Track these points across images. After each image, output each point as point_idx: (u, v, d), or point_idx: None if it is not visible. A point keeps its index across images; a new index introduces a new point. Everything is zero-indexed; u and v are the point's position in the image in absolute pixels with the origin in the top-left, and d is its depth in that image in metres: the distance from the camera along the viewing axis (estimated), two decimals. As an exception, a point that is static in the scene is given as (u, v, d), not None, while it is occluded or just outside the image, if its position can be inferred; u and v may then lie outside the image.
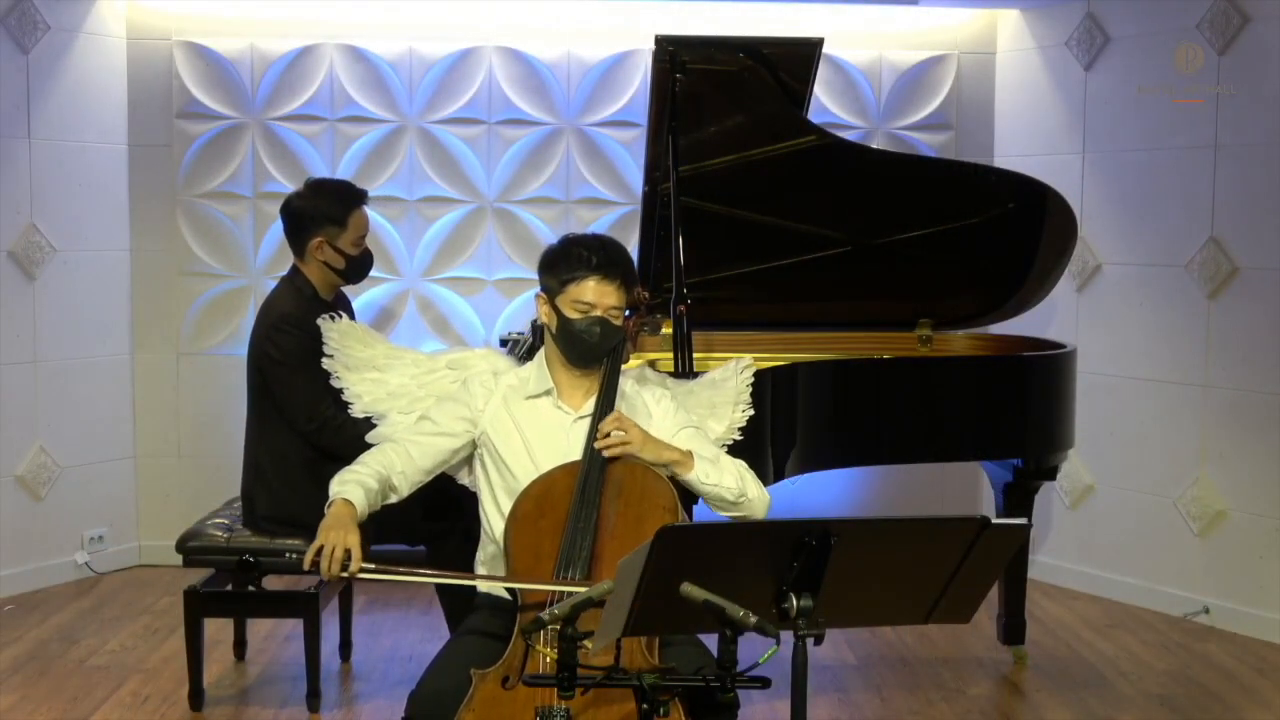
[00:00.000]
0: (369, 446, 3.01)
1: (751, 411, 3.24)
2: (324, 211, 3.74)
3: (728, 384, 3.26)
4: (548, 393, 2.88)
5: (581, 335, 2.81)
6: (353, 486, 2.73)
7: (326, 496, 2.75)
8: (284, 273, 3.85)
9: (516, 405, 2.88)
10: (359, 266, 3.84)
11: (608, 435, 2.72)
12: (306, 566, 2.58)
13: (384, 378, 3.27)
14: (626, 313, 3.11)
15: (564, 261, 2.82)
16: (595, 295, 2.78)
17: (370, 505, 2.75)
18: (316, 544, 2.57)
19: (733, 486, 2.80)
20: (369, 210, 3.87)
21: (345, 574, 2.55)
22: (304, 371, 3.53)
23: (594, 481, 2.67)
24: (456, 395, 2.97)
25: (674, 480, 2.78)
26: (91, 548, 5.17)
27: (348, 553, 2.55)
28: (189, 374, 5.32)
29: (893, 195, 4.29)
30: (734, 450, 3.14)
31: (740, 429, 3.22)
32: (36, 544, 5.02)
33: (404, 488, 2.86)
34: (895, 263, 4.36)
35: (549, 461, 2.77)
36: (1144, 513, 4.96)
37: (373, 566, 2.58)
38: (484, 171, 5.29)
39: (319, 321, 3.43)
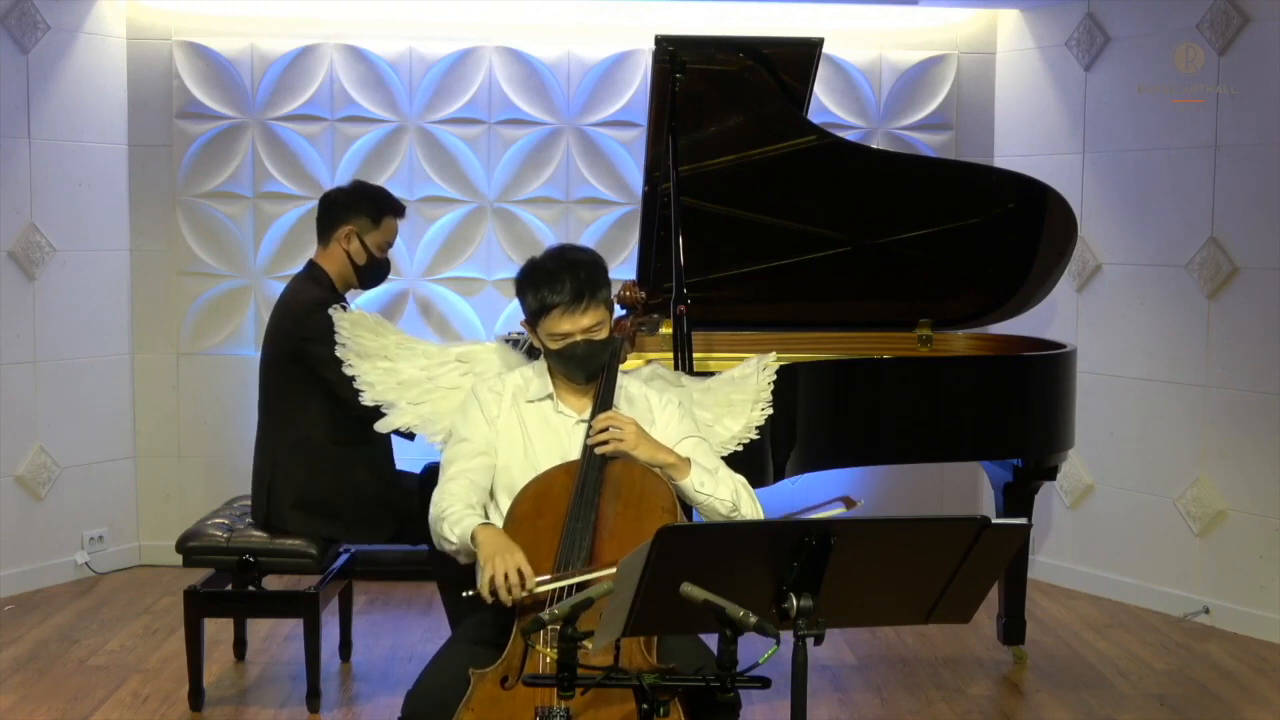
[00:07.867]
0: None
1: (770, 411, 3.21)
2: (362, 205, 3.91)
3: (748, 381, 3.24)
4: (549, 398, 2.88)
5: (568, 359, 2.81)
6: (475, 516, 2.66)
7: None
8: (287, 271, 3.86)
9: (522, 407, 2.88)
10: (377, 270, 3.96)
11: (603, 431, 2.71)
12: (487, 598, 2.48)
13: (396, 367, 3.26)
14: (623, 311, 3.09)
15: (532, 294, 2.78)
16: (569, 325, 2.77)
17: None
18: (488, 574, 2.47)
19: (726, 499, 2.78)
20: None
21: (525, 593, 2.45)
22: None
23: (592, 481, 2.67)
24: (473, 407, 2.89)
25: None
26: (91, 548, 5.16)
27: (520, 573, 2.47)
28: (189, 374, 5.32)
29: (893, 195, 4.29)
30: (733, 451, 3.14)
31: (758, 428, 3.18)
32: (36, 544, 5.02)
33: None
34: (895, 263, 4.36)
35: (549, 464, 2.76)
36: (1144, 513, 4.96)
37: (548, 578, 2.48)
38: (484, 171, 5.29)
39: (330, 311, 3.44)
